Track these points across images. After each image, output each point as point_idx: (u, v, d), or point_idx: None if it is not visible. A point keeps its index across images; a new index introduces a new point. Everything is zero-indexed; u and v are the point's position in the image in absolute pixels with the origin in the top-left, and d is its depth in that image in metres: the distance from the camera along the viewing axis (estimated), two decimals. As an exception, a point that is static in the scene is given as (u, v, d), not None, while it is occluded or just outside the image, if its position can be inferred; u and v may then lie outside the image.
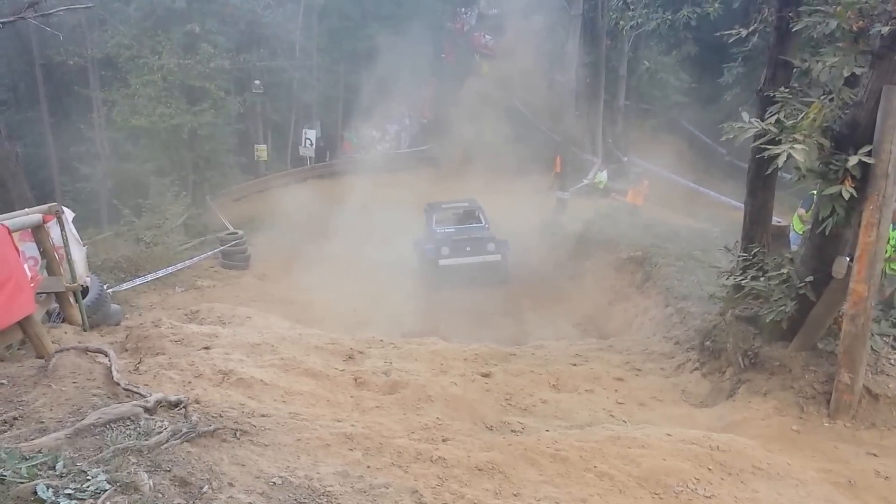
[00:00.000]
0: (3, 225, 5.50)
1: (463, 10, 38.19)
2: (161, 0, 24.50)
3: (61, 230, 7.22)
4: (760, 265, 7.75)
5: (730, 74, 26.85)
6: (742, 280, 7.77)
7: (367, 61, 32.82)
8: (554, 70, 32.67)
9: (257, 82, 28.97)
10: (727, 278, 8.23)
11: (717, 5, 10.99)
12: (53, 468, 3.37)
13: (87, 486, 3.22)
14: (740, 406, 6.75)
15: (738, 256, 8.23)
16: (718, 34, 9.69)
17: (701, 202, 24.66)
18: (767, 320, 7.09)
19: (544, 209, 21.80)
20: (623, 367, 8.38)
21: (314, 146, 30.85)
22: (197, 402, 5.22)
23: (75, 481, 3.26)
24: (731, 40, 9.05)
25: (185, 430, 4.28)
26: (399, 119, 35.09)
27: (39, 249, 6.92)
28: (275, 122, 31.89)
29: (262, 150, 30.02)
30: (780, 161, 5.66)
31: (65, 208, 7.50)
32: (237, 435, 4.64)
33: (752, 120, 6.27)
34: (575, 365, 8.45)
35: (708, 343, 8.10)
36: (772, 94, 6.90)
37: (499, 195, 21.37)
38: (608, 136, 30.14)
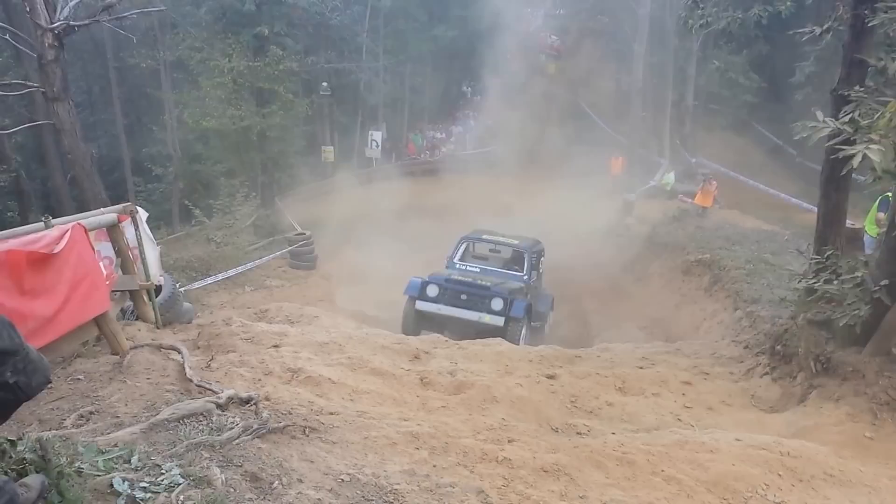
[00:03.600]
0: (79, 224, 5.65)
1: (529, 10, 38.03)
2: (231, 3, 25.00)
3: (135, 230, 7.39)
4: (834, 268, 7.55)
5: (801, 73, 26.25)
6: (815, 283, 7.58)
7: (432, 63, 33.06)
8: (620, 70, 32.36)
9: (325, 84, 29.38)
10: (799, 281, 8.06)
11: (789, 3, 10.72)
12: (129, 462, 3.46)
13: (162, 480, 3.30)
14: (812, 412, 6.60)
15: (811, 259, 8.04)
16: (790, 33, 9.47)
17: (771, 204, 24.04)
18: (840, 325, 6.91)
19: (610, 211, 21.57)
20: (691, 371, 8.27)
21: (380, 148, 31.13)
22: (267, 399, 5.31)
23: (150, 475, 3.35)
24: (803, 39, 8.84)
25: (255, 426, 4.35)
26: (463, 120, 35.18)
27: (114, 249, 7.06)
28: (341, 124, 32.31)
29: (328, 152, 30.41)
30: (855, 162, 5.52)
31: (139, 208, 7.66)
32: (306, 432, 4.71)
33: (827, 119, 6.13)
34: (641, 368, 8.37)
35: (779, 347, 7.93)
36: (846, 94, 6.74)
37: (563, 197, 21.20)
38: (675, 137, 29.62)
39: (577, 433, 5.89)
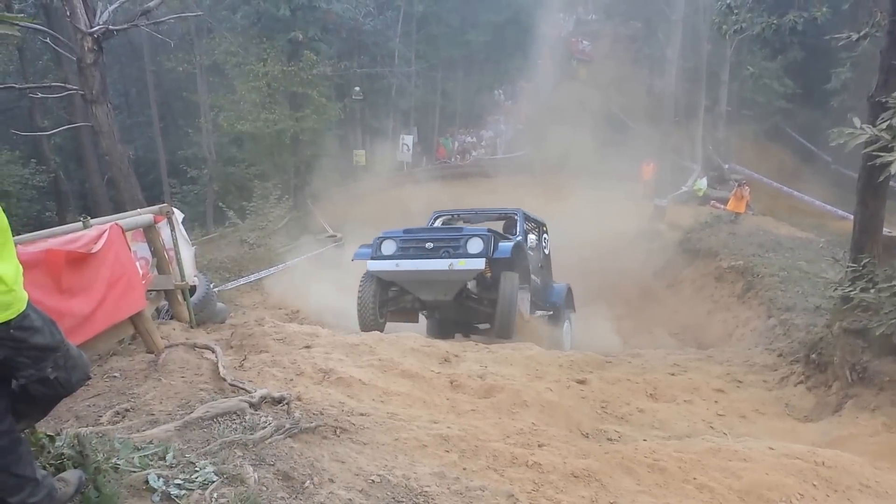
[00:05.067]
0: (117, 225, 5.73)
1: (561, 15, 37.98)
2: (266, 9, 25.33)
3: (171, 230, 7.50)
4: (870, 276, 7.44)
5: (837, 80, 25.92)
6: (851, 291, 7.47)
7: (464, 67, 33.11)
8: (653, 75, 32.16)
9: (357, 89, 29.57)
10: (835, 290, 7.94)
11: (824, 9, 10.61)
12: (164, 459, 3.50)
13: (196, 477, 3.34)
14: (847, 421, 6.50)
15: (847, 267, 7.93)
16: (826, 38, 9.36)
17: (805, 211, 23.74)
18: (877, 334, 6.81)
19: (641, 216, 21.42)
20: (723, 379, 8.18)
21: (411, 151, 31.25)
22: (299, 399, 5.34)
23: (184, 472, 3.39)
24: (839, 44, 8.74)
25: (287, 425, 4.37)
26: (494, 125, 35.17)
27: (150, 249, 7.16)
28: (373, 128, 32.48)
29: (360, 155, 30.57)
30: (893, 168, 5.45)
31: (175, 209, 7.77)
32: (337, 432, 4.74)
33: (864, 126, 6.05)
34: (673, 374, 8.30)
35: (814, 356, 7.82)
36: (884, 100, 6.64)
37: (594, 202, 21.09)
38: (708, 143, 29.36)
39: (608, 439, 5.85)
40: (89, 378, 2.87)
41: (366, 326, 9.36)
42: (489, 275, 9.63)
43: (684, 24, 27.55)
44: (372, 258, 9.72)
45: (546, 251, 12.77)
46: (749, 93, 29.52)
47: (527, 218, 11.91)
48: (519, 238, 10.55)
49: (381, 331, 9.11)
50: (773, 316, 10.92)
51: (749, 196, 20.20)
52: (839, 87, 25.95)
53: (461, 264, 9.24)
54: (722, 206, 21.71)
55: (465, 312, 10.24)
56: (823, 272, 11.58)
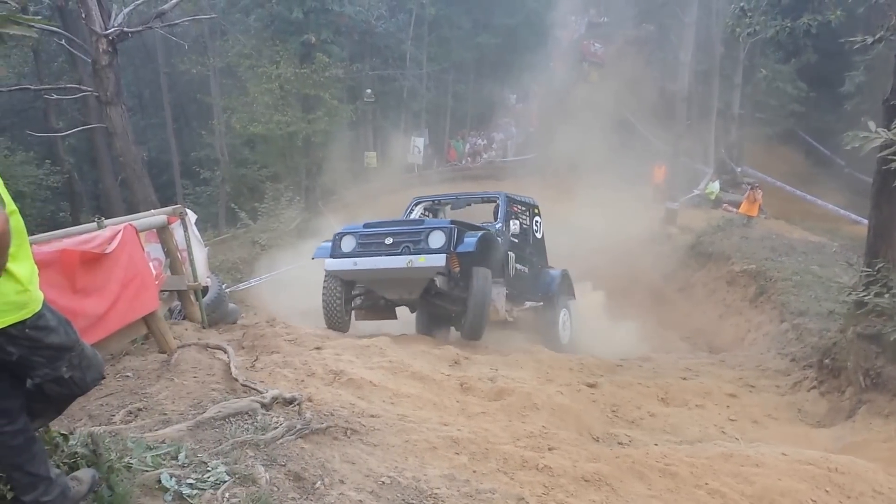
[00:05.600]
0: (131, 226, 5.76)
1: (573, 18, 37.93)
2: (280, 11, 25.43)
3: (184, 231, 7.55)
4: (885, 281, 7.41)
5: (851, 83, 25.74)
6: (865, 296, 7.44)
7: (475, 70, 33.11)
8: (665, 78, 32.03)
9: (369, 91, 29.64)
10: (849, 294, 7.92)
11: (839, 12, 10.55)
12: (176, 458, 3.53)
13: (208, 477, 3.36)
14: (860, 427, 6.47)
15: (861, 272, 7.89)
16: (841, 41, 9.32)
17: (818, 215, 23.62)
18: (892, 339, 6.78)
19: (652, 219, 21.35)
20: (736, 383, 8.17)
21: (422, 153, 31.28)
22: (310, 400, 5.36)
23: (196, 472, 3.41)
24: (854, 48, 8.70)
25: (299, 426, 4.39)
26: (505, 127, 35.15)
27: (164, 250, 7.21)
28: (384, 130, 32.55)
29: (371, 157, 30.60)
30: (909, 173, 5.42)
31: (188, 210, 7.80)
32: (348, 434, 4.75)
33: (879, 130, 6.02)
34: (685, 379, 8.29)
35: (827, 361, 7.80)
36: (900, 104, 6.61)
37: (604, 204, 21.04)
38: (721, 146, 29.23)
39: (619, 443, 5.85)
40: (103, 377, 2.89)
41: (332, 326, 9.00)
42: (457, 269, 8.98)
43: (697, 26, 27.41)
44: (331, 256, 9.09)
45: (538, 234, 11.75)
46: (762, 96, 29.37)
47: (512, 201, 11.01)
48: (490, 228, 9.71)
49: (346, 331, 8.96)
50: (786, 320, 10.87)
51: (762, 199, 20.09)
52: (853, 90, 25.78)
53: (421, 261, 8.53)
54: (734, 210, 21.62)
55: (438, 310, 9.68)
56: (837, 277, 11.54)
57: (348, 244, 9.07)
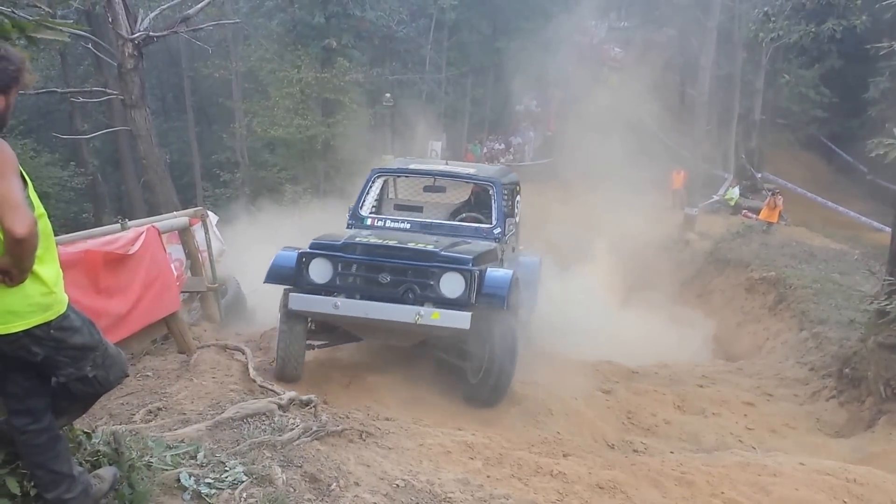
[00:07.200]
0: (154, 227, 5.85)
1: (593, 22, 37.84)
2: (302, 16, 25.61)
3: (205, 233, 7.64)
4: (908, 290, 7.35)
5: (876, 90, 25.49)
6: (887, 305, 7.37)
7: (494, 74, 33.10)
8: (685, 83, 31.89)
9: (388, 95, 29.72)
10: (870, 303, 7.85)
11: (864, 17, 10.47)
12: (195, 458, 3.58)
13: (226, 477, 3.41)
14: (880, 438, 6.42)
15: (884, 281, 7.82)
16: (866, 47, 9.25)
17: (839, 222, 23.40)
18: (914, 349, 6.72)
19: (670, 225, 21.25)
20: (753, 392, 8.12)
21: (439, 157, 31.32)
22: (326, 402, 5.43)
23: (215, 471, 3.46)
24: (880, 54, 8.64)
25: (315, 428, 4.44)
26: (523, 132, 35.14)
27: (185, 251, 7.28)
28: (402, 133, 32.64)
29: (389, 160, 30.63)
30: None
31: (209, 212, 7.88)
32: (363, 436, 4.78)
33: (903, 137, 5.99)
34: (701, 387, 8.25)
35: (847, 370, 7.73)
36: (924, 111, 6.56)
37: (622, 209, 20.97)
38: (741, 152, 29.05)
39: (634, 450, 5.84)
40: (127, 376, 2.94)
41: (286, 376, 6.33)
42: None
43: (719, 31, 27.27)
44: (295, 285, 6.44)
45: (517, 218, 8.92)
46: (784, 101, 29.17)
47: (503, 184, 8.13)
48: (488, 240, 7.45)
49: (300, 378, 6.43)
50: (805, 329, 10.75)
51: (782, 206, 19.95)
52: (877, 96, 25.54)
53: (434, 318, 6.15)
54: (754, 216, 21.48)
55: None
56: (858, 285, 11.42)
57: (321, 271, 6.43)
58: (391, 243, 6.61)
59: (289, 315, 6.40)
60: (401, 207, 8.70)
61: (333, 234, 6.99)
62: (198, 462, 3.54)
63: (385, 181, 8.72)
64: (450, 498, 3.95)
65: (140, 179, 22.30)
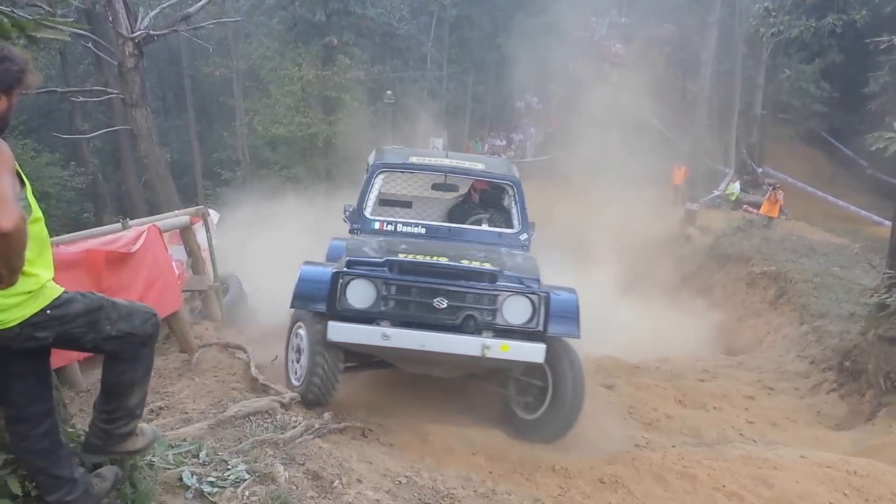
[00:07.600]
0: (155, 226, 5.86)
1: (594, 18, 37.81)
2: (303, 14, 25.58)
3: (206, 232, 7.64)
4: (908, 284, 7.36)
5: (876, 84, 25.48)
6: (887, 298, 7.39)
7: (495, 70, 33.09)
8: (686, 79, 31.87)
9: (389, 93, 29.71)
10: (870, 296, 7.86)
11: (864, 12, 10.47)
12: (197, 456, 3.59)
13: (228, 475, 3.42)
14: (880, 430, 6.44)
15: (884, 274, 7.83)
16: (866, 42, 9.25)
17: (839, 216, 23.39)
18: (913, 342, 6.73)
19: (671, 221, 21.25)
20: (754, 385, 8.13)
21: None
22: (327, 400, 5.43)
23: (217, 470, 3.47)
24: (880, 48, 8.65)
25: (317, 426, 4.48)
26: (524, 128, 35.13)
27: (186, 250, 7.29)
28: (403, 130, 32.63)
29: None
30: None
31: (211, 211, 7.88)
32: (365, 434, 4.81)
33: (902, 131, 5.99)
34: (702, 381, 8.26)
35: (847, 363, 7.74)
36: (923, 105, 6.57)
37: (623, 205, 20.96)
38: (742, 146, 29.04)
39: (636, 445, 5.84)
40: (154, 315, 2.80)
41: (315, 402, 5.38)
42: None
43: (720, 26, 27.24)
44: (328, 311, 5.43)
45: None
46: (785, 96, 29.13)
47: (516, 180, 7.34)
48: (525, 250, 6.77)
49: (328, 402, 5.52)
50: (806, 322, 10.75)
51: (783, 200, 19.93)
52: (877, 90, 25.52)
53: (503, 349, 5.30)
54: (755, 211, 21.48)
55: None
56: (858, 278, 11.42)
57: (362, 295, 5.45)
58: (444, 261, 5.59)
59: (326, 345, 5.39)
60: (386, 202, 7.69)
61: (362, 249, 5.93)
62: (200, 461, 3.56)
63: (386, 176, 7.51)
64: (452, 494, 3.96)
65: (141, 179, 22.29)
